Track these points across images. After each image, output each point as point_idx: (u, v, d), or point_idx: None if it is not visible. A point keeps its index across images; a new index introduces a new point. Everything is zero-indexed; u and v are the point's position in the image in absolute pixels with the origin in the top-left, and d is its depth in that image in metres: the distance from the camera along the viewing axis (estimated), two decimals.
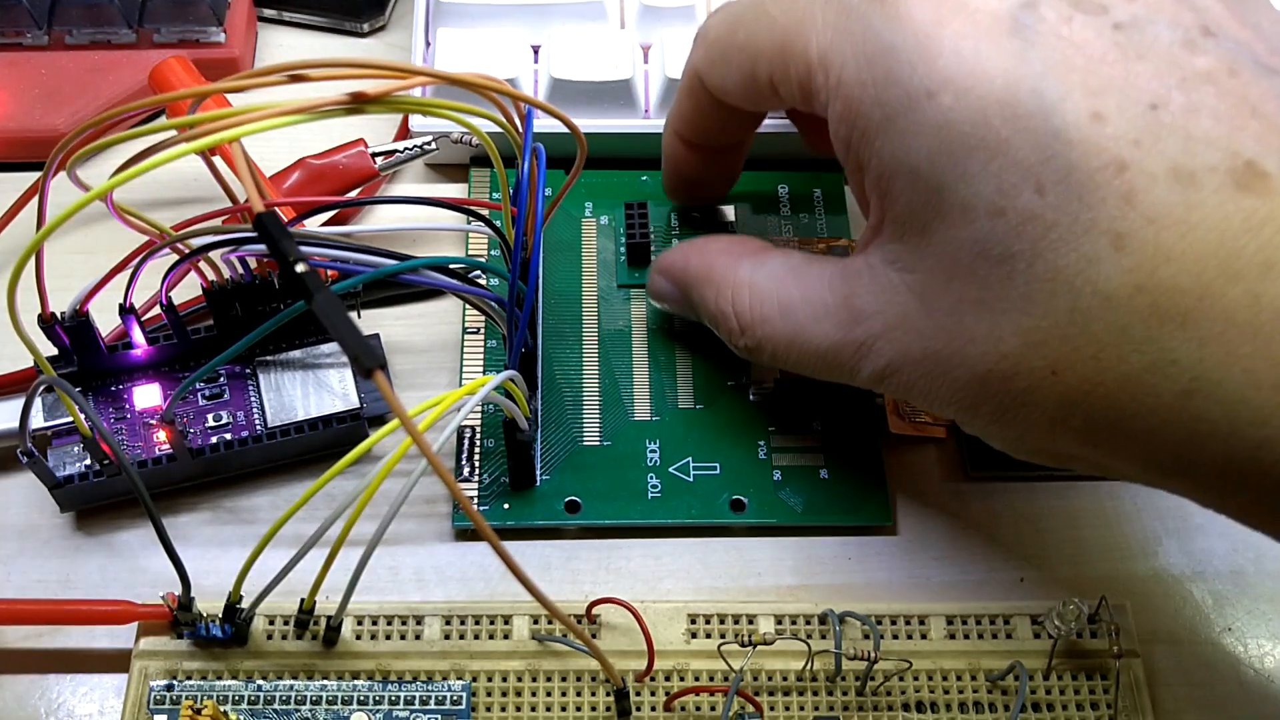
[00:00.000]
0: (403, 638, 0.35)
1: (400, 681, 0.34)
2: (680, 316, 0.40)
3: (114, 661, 0.35)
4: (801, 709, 0.34)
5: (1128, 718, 0.34)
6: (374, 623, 0.35)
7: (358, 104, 0.26)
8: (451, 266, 0.33)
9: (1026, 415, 0.29)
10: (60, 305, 0.35)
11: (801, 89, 0.32)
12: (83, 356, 0.37)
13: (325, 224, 0.43)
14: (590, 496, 0.38)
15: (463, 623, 0.35)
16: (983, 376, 0.29)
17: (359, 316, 0.42)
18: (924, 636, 0.35)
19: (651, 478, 0.38)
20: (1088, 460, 0.29)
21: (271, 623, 0.35)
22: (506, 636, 0.35)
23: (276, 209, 0.35)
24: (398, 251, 0.34)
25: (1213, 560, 0.38)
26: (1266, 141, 0.25)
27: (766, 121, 0.44)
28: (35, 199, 0.33)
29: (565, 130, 0.31)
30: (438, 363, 0.41)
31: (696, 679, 0.34)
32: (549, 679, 0.34)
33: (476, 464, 0.38)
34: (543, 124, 0.34)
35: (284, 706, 0.33)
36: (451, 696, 0.34)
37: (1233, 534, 0.38)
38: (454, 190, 0.45)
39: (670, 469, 0.38)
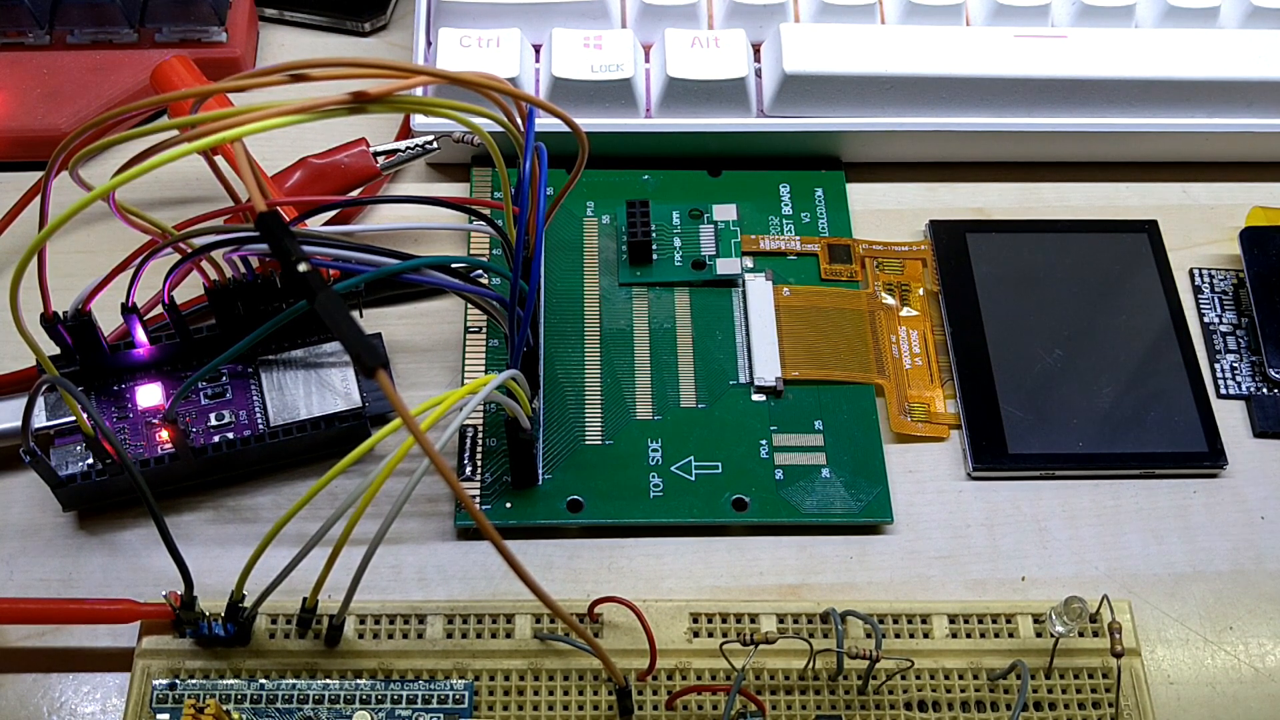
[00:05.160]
0: (405, 637, 0.35)
1: (402, 680, 0.34)
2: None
3: (116, 660, 0.35)
4: (804, 708, 0.34)
5: (1128, 717, 0.34)
6: (376, 622, 0.35)
7: (359, 103, 0.26)
8: (453, 266, 0.33)
9: None
10: (62, 304, 0.35)
11: None
12: (85, 356, 0.37)
13: (327, 223, 0.43)
14: (592, 495, 0.38)
15: (465, 622, 0.35)
16: None
17: (361, 316, 0.42)
18: (925, 635, 0.35)
19: (653, 477, 0.38)
20: None
21: (274, 621, 0.35)
22: (509, 635, 0.35)
23: (278, 208, 0.35)
24: (400, 251, 0.34)
25: (1213, 559, 0.38)
26: None
27: (771, 121, 0.44)
28: (37, 199, 0.33)
29: (567, 129, 0.31)
30: (440, 362, 0.41)
31: (699, 678, 0.34)
32: (551, 678, 0.34)
33: (479, 463, 0.38)
34: (544, 123, 0.34)
35: (286, 705, 0.34)
36: (454, 695, 0.34)
37: (1234, 533, 0.38)
38: (456, 189, 0.45)
39: (672, 468, 0.38)
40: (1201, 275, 0.44)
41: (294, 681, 0.34)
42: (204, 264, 0.36)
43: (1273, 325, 0.42)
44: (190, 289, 0.40)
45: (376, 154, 0.43)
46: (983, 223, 0.44)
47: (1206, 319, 0.43)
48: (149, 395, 0.38)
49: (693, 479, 0.38)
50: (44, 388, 0.33)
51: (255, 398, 0.38)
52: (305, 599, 0.34)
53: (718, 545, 0.38)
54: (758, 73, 0.45)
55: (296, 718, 0.33)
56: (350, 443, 0.38)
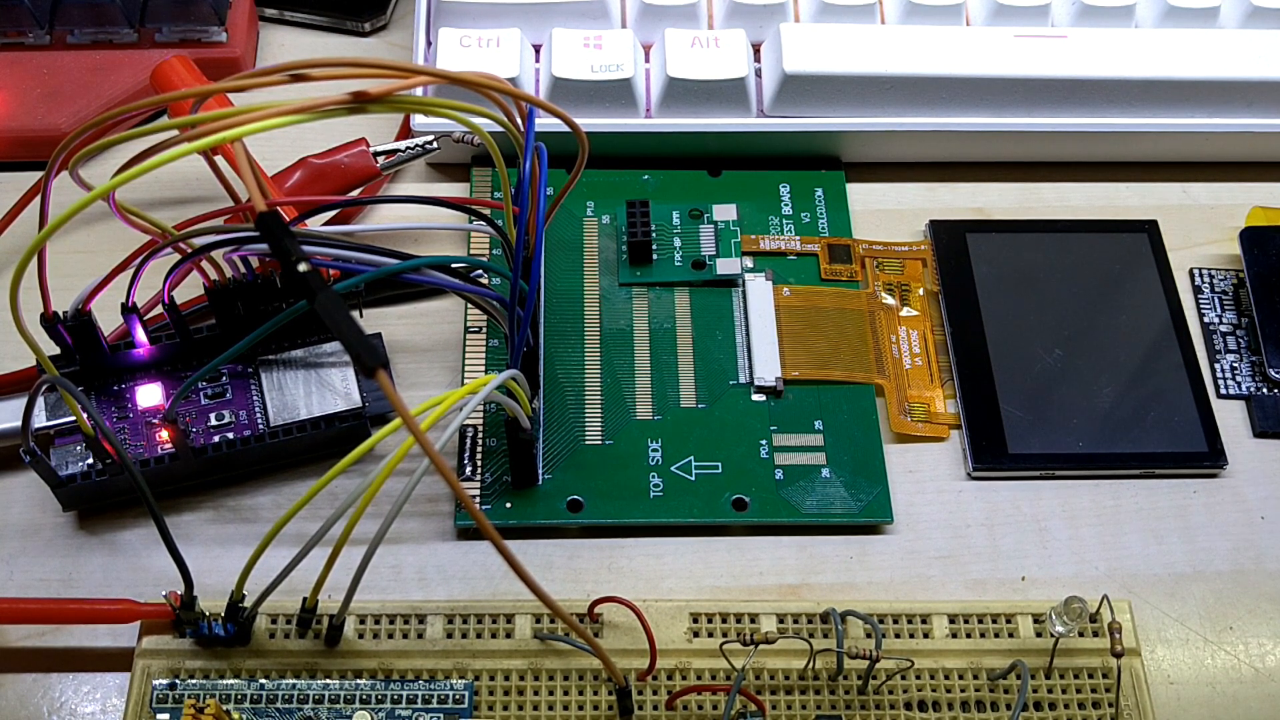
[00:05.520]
0: (405, 636, 0.35)
1: (402, 680, 0.34)
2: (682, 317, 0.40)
3: (116, 660, 0.35)
4: (804, 708, 0.34)
5: (1128, 717, 0.34)
6: (376, 621, 0.35)
7: (359, 103, 0.26)
8: (453, 266, 0.33)
9: None
10: (62, 304, 0.35)
11: None
12: (85, 356, 0.37)
13: (327, 223, 0.43)
14: (592, 495, 0.38)
15: (465, 621, 0.35)
16: None
17: (361, 316, 0.42)
18: (925, 635, 0.35)
19: (653, 477, 0.38)
20: None
21: (274, 621, 0.35)
22: (509, 635, 0.35)
23: (278, 208, 0.35)
24: (400, 251, 0.34)
25: (1214, 559, 0.38)
26: None
27: (771, 121, 0.44)
28: (37, 199, 0.33)
29: (567, 129, 0.31)
30: (440, 362, 0.41)
31: (699, 678, 0.34)
32: (551, 678, 0.34)
33: (479, 463, 0.38)
34: (544, 123, 0.35)
35: (286, 705, 0.34)
36: (454, 695, 0.34)
37: (1234, 533, 0.38)
38: (456, 189, 0.45)
39: (672, 468, 0.38)
40: (1201, 275, 0.44)
41: (294, 681, 0.34)
42: (204, 264, 0.36)
43: (1273, 325, 0.42)
44: (190, 289, 0.40)
45: (376, 154, 0.43)
46: (983, 223, 0.44)
47: (1206, 319, 0.43)
48: (149, 395, 0.38)
49: (693, 479, 0.38)
50: (44, 387, 0.33)
51: (255, 398, 0.38)
52: (305, 599, 0.34)
53: (718, 545, 0.38)
54: (758, 73, 0.45)
55: (296, 718, 0.33)
56: (350, 443, 0.38)
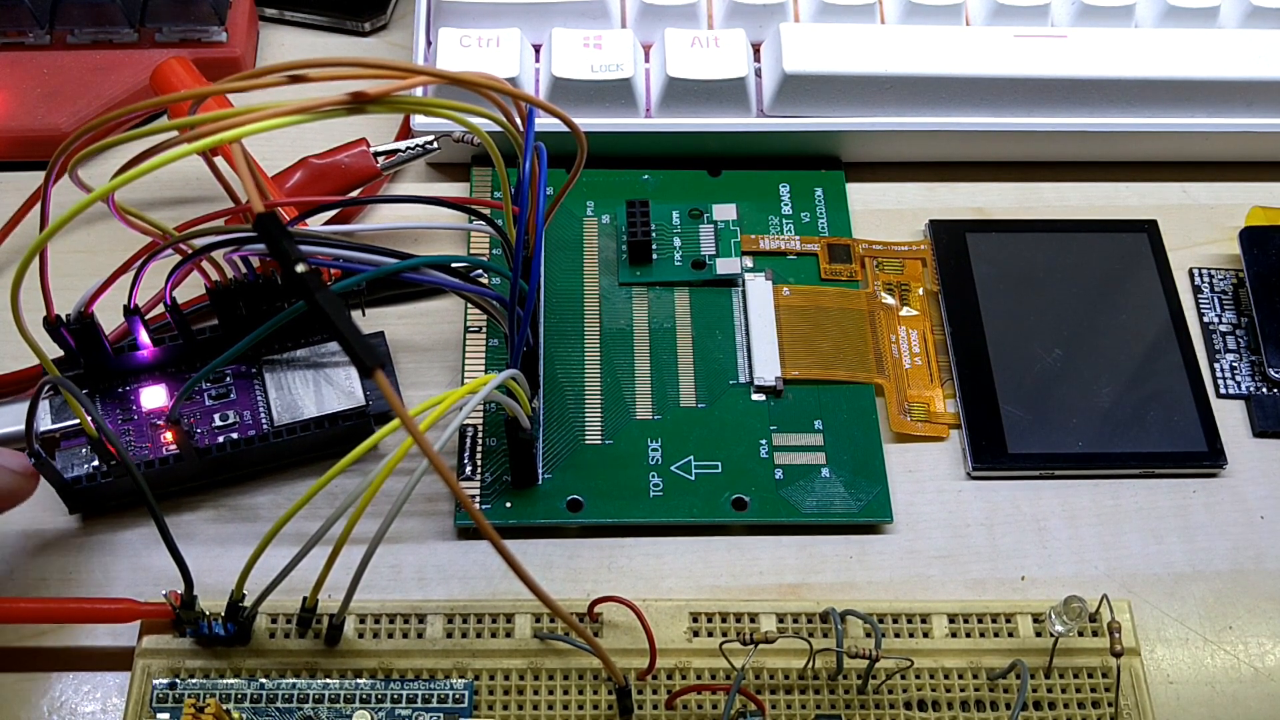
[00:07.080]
0: (405, 636, 0.35)
1: (402, 680, 0.34)
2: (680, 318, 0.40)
3: (117, 660, 0.35)
4: (803, 707, 0.34)
5: (1128, 717, 0.34)
6: (376, 621, 0.35)
7: (359, 104, 0.26)
8: (453, 265, 0.33)
9: None
10: (65, 307, 0.35)
11: None
12: (89, 358, 0.37)
13: (327, 223, 0.43)
14: (592, 495, 0.38)
15: (465, 621, 0.35)
16: None
17: (362, 315, 0.42)
18: (925, 635, 0.35)
19: (653, 476, 0.38)
20: None
21: (274, 621, 0.35)
22: (509, 635, 0.35)
23: (277, 209, 0.35)
24: (400, 250, 0.34)
25: (1213, 559, 0.38)
26: None
27: (770, 121, 0.44)
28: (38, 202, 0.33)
29: (566, 129, 0.31)
30: (440, 362, 0.41)
31: (698, 677, 0.34)
32: (551, 677, 0.34)
33: (479, 463, 0.38)
34: (544, 123, 0.35)
35: (286, 705, 0.34)
36: (454, 695, 0.34)
37: (1234, 533, 0.38)
38: (456, 189, 0.45)
39: (672, 468, 0.38)
40: (1201, 275, 0.44)
41: (294, 681, 0.34)
42: (205, 264, 0.36)
43: (1272, 325, 0.42)
44: (192, 289, 0.40)
45: (377, 154, 0.43)
46: (983, 223, 0.44)
47: (1206, 319, 0.43)
48: (153, 397, 0.38)
49: (693, 479, 0.38)
50: (46, 388, 0.33)
51: (259, 398, 0.38)
52: (305, 598, 0.34)
53: (718, 545, 0.38)
54: (758, 72, 0.45)
55: (296, 717, 0.33)
56: (354, 441, 0.38)
